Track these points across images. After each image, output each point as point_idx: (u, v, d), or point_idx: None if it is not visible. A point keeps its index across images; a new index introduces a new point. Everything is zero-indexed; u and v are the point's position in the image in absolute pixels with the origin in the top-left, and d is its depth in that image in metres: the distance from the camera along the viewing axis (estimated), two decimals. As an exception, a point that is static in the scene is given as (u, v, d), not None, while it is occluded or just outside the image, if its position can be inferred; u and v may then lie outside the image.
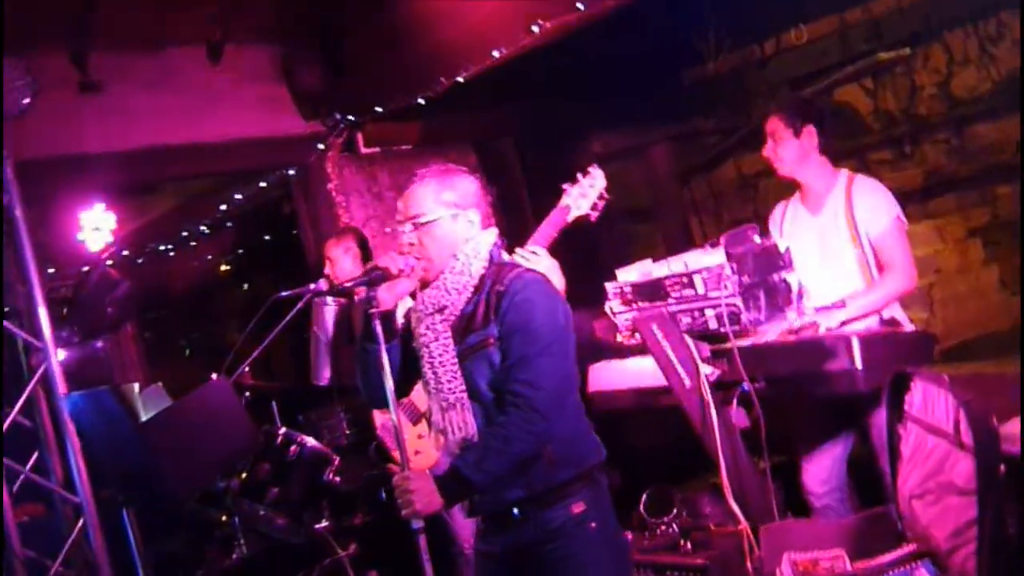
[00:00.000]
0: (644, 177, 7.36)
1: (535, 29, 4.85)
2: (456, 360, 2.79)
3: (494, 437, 2.68)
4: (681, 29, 6.75)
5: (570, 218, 3.55)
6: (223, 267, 10.02)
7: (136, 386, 2.80)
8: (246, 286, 10.67)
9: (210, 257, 9.69)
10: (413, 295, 2.93)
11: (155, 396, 2.79)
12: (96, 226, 5.39)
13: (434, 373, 2.82)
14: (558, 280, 3.17)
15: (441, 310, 2.82)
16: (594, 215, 3.58)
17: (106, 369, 8.15)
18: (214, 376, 4.33)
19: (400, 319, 2.97)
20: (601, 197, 3.59)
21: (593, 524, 2.75)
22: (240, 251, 9.50)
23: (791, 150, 4.04)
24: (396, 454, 3.45)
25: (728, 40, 7.04)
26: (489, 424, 2.74)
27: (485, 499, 2.80)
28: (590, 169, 3.64)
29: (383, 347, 2.74)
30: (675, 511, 4.11)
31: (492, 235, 2.91)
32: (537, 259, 3.28)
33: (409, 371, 2.94)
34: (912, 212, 6.97)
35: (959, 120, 6.78)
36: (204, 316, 10.34)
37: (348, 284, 2.96)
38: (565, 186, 3.62)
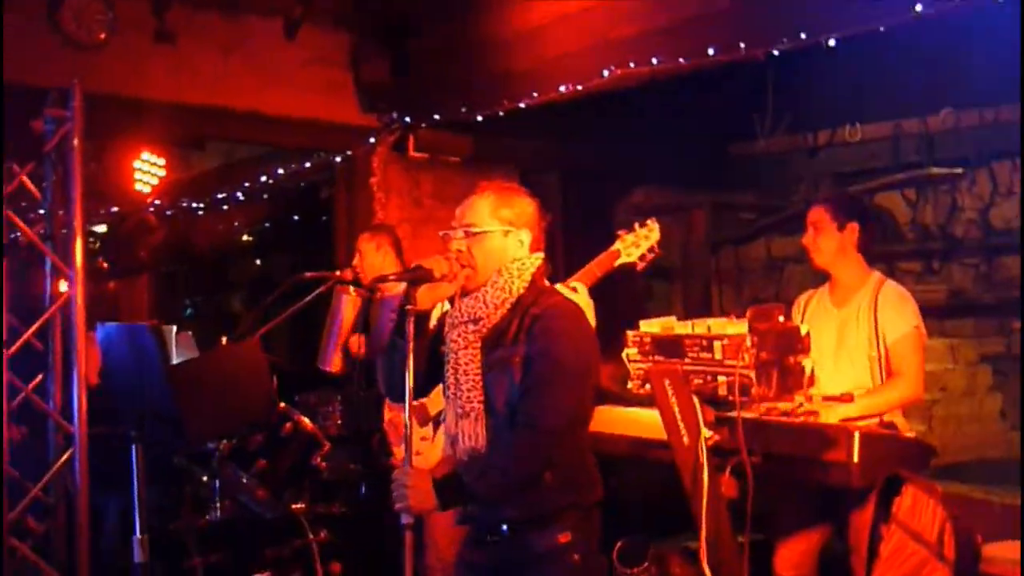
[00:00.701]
0: (678, 237, 7.44)
1: (605, 74, 4.95)
2: (480, 372, 2.85)
3: (500, 453, 2.74)
4: (741, 101, 6.86)
5: (617, 263, 3.71)
6: (246, 237, 10.10)
7: (174, 329, 2.87)
8: (258, 262, 10.75)
9: (236, 224, 9.76)
10: (451, 300, 3.00)
11: (185, 344, 2.86)
12: (146, 171, 5.48)
13: (456, 380, 2.88)
14: (590, 320, 3.24)
15: (476, 321, 2.89)
16: (641, 265, 3.71)
17: (114, 310, 8.25)
18: (224, 341, 4.41)
19: (434, 321, 3.04)
20: (652, 250, 3.74)
21: (576, 556, 2.80)
22: (267, 225, 9.57)
23: (832, 242, 4.12)
24: (398, 449, 3.51)
25: (783, 123, 7.16)
26: (497, 439, 2.79)
27: (479, 511, 2.86)
28: (649, 221, 3.79)
29: (411, 344, 2.81)
30: (646, 564, 4.15)
31: (539, 259, 2.97)
32: (576, 296, 3.36)
33: (432, 373, 3.00)
34: (929, 327, 7.06)
35: (991, 248, 6.87)
36: (214, 281, 10.41)
37: (391, 278, 3.02)
38: (620, 232, 3.75)
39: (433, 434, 4.16)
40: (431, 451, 4.11)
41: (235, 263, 10.75)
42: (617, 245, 3.71)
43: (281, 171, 6.72)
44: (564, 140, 6.86)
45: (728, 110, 6.71)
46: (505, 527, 2.82)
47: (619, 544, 4.27)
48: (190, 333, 2.97)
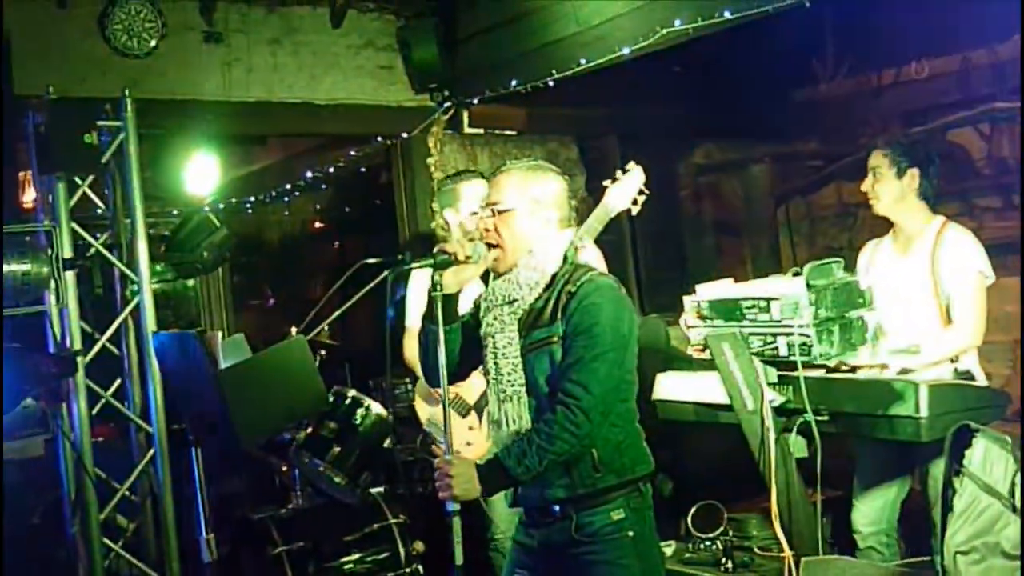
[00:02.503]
0: (742, 192, 7.32)
1: (651, 37, 4.89)
2: (519, 354, 2.85)
3: (538, 433, 2.74)
4: (799, 48, 6.68)
5: (612, 213, 3.85)
6: (317, 224, 10.23)
7: (220, 335, 2.94)
8: (337, 244, 10.87)
9: (309, 212, 9.91)
10: (485, 280, 3.00)
11: (236, 346, 2.92)
12: (202, 171, 5.59)
13: (495, 363, 2.88)
14: (601, 267, 3.27)
15: (511, 303, 2.88)
16: (635, 209, 3.88)
17: (195, 307, 8.46)
18: (293, 331, 4.47)
19: (470, 305, 3.05)
20: (641, 192, 3.87)
21: (631, 533, 2.79)
22: (337, 211, 9.69)
23: (891, 189, 4.02)
24: (442, 441, 3.53)
25: (845, 65, 6.96)
26: (539, 418, 2.79)
27: (528, 493, 2.86)
28: (629, 165, 3.89)
29: (442, 328, 2.82)
30: (722, 529, 4.13)
31: (569, 236, 2.96)
32: (584, 249, 3.39)
33: (469, 356, 3.01)
34: (1013, 264, 6.84)
35: (1072, 178, 6.60)
36: (292, 269, 10.57)
37: (414, 266, 3.02)
38: (606, 183, 3.89)
39: (479, 423, 4.19)
40: (481, 438, 4.14)
41: (311, 249, 10.90)
42: (606, 196, 3.85)
43: (339, 160, 6.78)
44: (620, 104, 6.77)
45: (787, 57, 6.54)
46: (557, 508, 2.83)
47: (694, 509, 4.27)
48: (242, 336, 3.01)
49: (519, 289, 2.88)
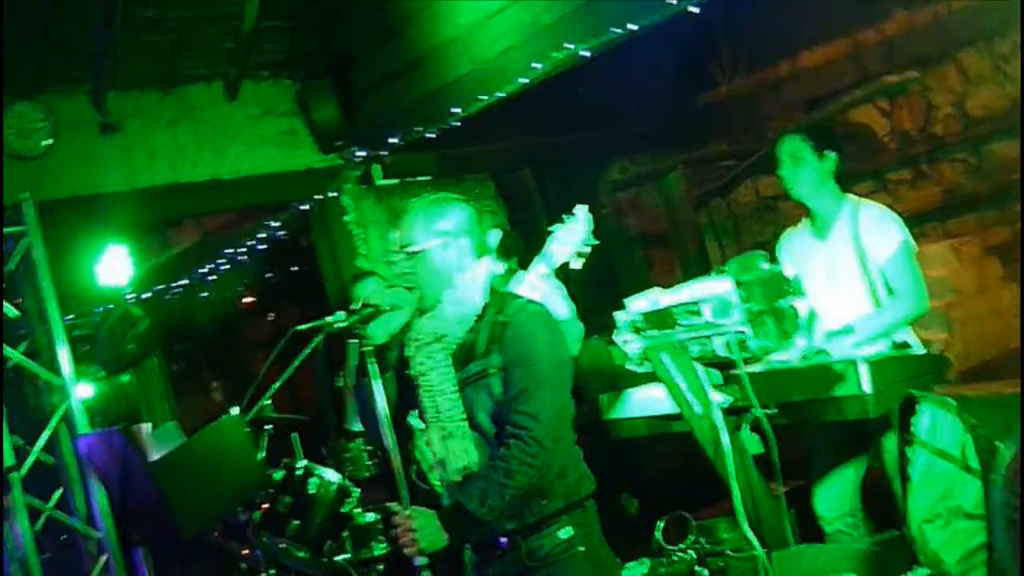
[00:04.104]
0: (662, 202, 7.38)
1: (537, 66, 4.90)
2: (456, 389, 2.81)
3: (495, 470, 2.70)
4: (696, 54, 6.78)
5: (556, 264, 3.58)
6: (246, 299, 10.11)
7: (147, 426, 2.86)
8: (271, 315, 10.75)
9: (235, 289, 9.78)
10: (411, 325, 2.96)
11: (167, 435, 2.84)
12: (116, 264, 5.47)
13: (433, 402, 2.84)
14: (561, 306, 3.20)
15: (440, 339, 2.85)
16: (578, 262, 3.57)
17: (133, 403, 8.27)
18: (234, 411, 4.38)
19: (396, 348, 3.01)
20: (587, 244, 3.57)
21: (581, 548, 2.78)
22: (263, 283, 9.58)
23: (811, 173, 4.05)
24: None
25: (742, 63, 7.07)
26: (488, 454, 2.76)
27: (480, 531, 2.82)
28: (576, 209, 3.61)
29: (378, 381, 2.78)
30: (692, 538, 4.09)
31: (490, 263, 2.93)
32: (545, 284, 3.33)
33: (406, 401, 2.96)
34: (931, 232, 6.97)
35: (976, 139, 6.76)
36: (230, 348, 10.43)
37: (340, 324, 2.96)
38: (552, 229, 3.63)
39: None
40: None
41: (245, 325, 10.77)
42: (549, 245, 3.58)
43: (259, 231, 6.70)
44: (529, 134, 6.81)
45: (686, 64, 6.63)
46: (504, 540, 2.79)
47: (661, 522, 4.23)
48: (173, 423, 2.94)
49: (447, 324, 2.85)
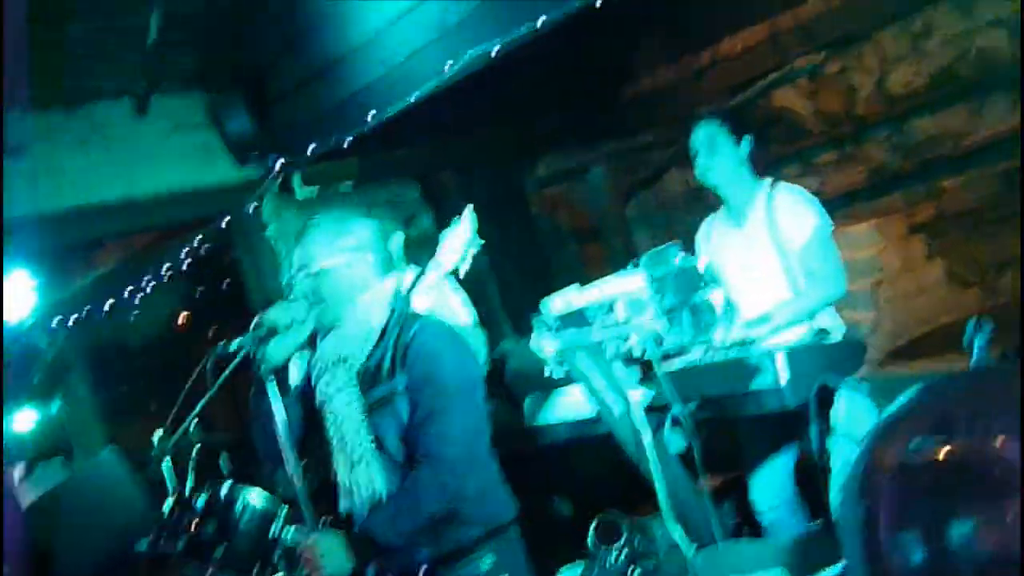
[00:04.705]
0: (589, 196, 7.32)
1: (446, 68, 4.80)
2: (361, 414, 2.71)
3: (405, 496, 2.60)
4: (614, 46, 6.73)
5: (446, 269, 3.41)
6: (181, 317, 9.91)
7: (20, 467, 2.72)
8: (212, 331, 10.54)
9: (166, 309, 9.57)
10: (311, 346, 2.86)
11: (49, 473, 2.72)
12: (17, 294, 5.27)
13: (337, 428, 2.74)
14: (462, 313, 3.10)
15: (343, 360, 2.75)
16: (464, 267, 3.31)
17: (64, 434, 8.05)
18: (157, 434, 4.24)
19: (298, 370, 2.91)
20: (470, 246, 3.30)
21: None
22: (195, 300, 9.39)
23: (728, 159, 4.00)
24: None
25: (662, 54, 7.03)
26: (396, 479, 2.66)
27: (392, 559, 2.72)
28: (464, 212, 3.35)
29: (278, 405, 2.67)
30: (624, 538, 4.03)
31: (394, 281, 2.84)
32: (447, 290, 3.23)
33: (308, 426, 2.86)
34: (860, 212, 6.97)
35: (898, 117, 6.77)
36: (167, 370, 10.21)
37: (234, 344, 2.85)
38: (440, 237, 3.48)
39: None
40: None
41: (182, 344, 10.55)
42: (439, 253, 3.44)
43: (182, 248, 6.53)
44: (453, 135, 6.71)
45: (604, 58, 6.59)
46: (423, 568, 2.69)
47: (592, 525, 4.15)
48: (61, 458, 2.81)
49: (348, 345, 2.75)
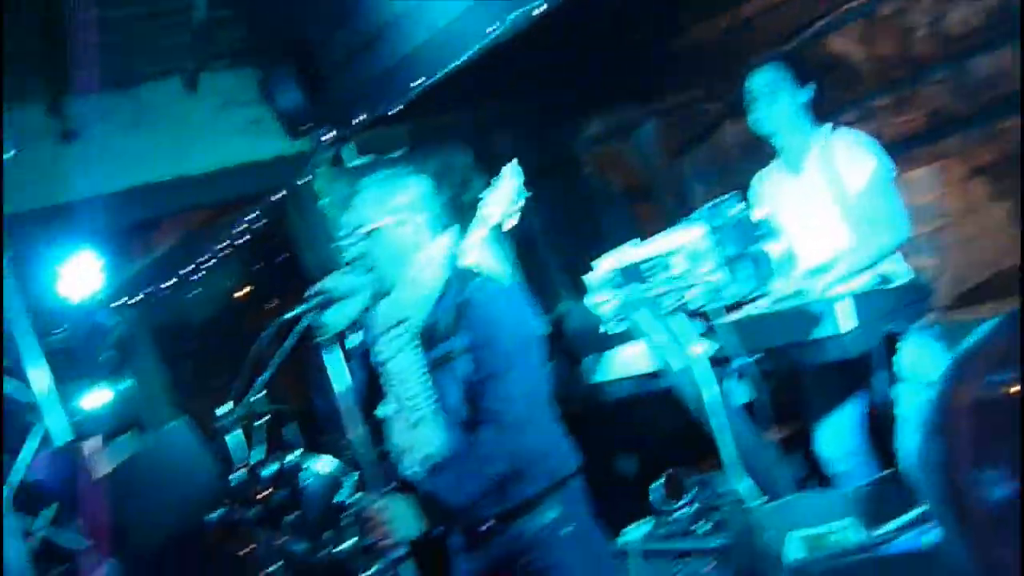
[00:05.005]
0: (641, 154, 7.26)
1: (491, 30, 4.76)
2: (421, 374, 2.72)
3: (469, 458, 2.60)
4: (660, 0, 6.63)
5: (489, 227, 3.41)
6: (245, 290, 10.03)
7: (93, 442, 2.77)
8: (274, 304, 10.66)
9: (225, 284, 9.69)
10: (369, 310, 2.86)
11: (122, 446, 2.77)
12: (82, 274, 5.36)
13: (398, 389, 2.75)
14: (503, 273, 3.11)
15: (402, 322, 2.76)
16: (509, 224, 3.41)
17: (135, 409, 8.22)
18: (224, 408, 4.30)
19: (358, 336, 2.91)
20: (515, 203, 3.44)
21: (568, 529, 2.68)
22: (254, 275, 9.50)
23: (788, 106, 3.93)
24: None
25: (710, 5, 6.91)
26: (456, 439, 2.66)
27: (459, 519, 2.73)
28: (505, 168, 3.47)
29: (342, 371, 2.68)
30: (689, 494, 4.02)
31: (449, 240, 2.83)
32: (487, 249, 3.23)
33: (371, 390, 2.88)
34: (919, 156, 6.82)
35: (955, 57, 6.60)
36: (231, 344, 10.36)
37: (293, 313, 2.86)
38: (484, 194, 3.49)
39: None
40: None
41: (245, 319, 10.68)
42: (481, 211, 3.45)
43: (237, 224, 6.60)
44: (503, 99, 6.67)
45: (648, 12, 6.49)
46: (488, 526, 2.70)
47: (657, 482, 4.14)
48: (133, 431, 2.86)
49: (406, 307, 2.75)
